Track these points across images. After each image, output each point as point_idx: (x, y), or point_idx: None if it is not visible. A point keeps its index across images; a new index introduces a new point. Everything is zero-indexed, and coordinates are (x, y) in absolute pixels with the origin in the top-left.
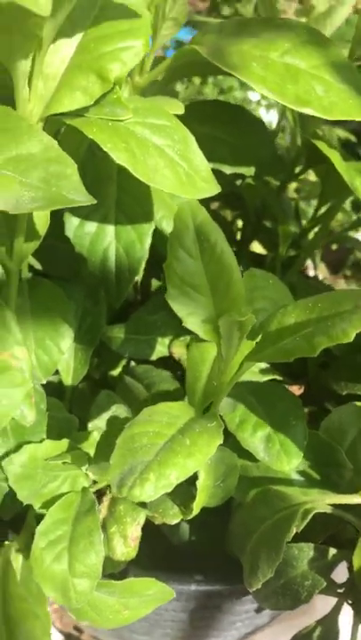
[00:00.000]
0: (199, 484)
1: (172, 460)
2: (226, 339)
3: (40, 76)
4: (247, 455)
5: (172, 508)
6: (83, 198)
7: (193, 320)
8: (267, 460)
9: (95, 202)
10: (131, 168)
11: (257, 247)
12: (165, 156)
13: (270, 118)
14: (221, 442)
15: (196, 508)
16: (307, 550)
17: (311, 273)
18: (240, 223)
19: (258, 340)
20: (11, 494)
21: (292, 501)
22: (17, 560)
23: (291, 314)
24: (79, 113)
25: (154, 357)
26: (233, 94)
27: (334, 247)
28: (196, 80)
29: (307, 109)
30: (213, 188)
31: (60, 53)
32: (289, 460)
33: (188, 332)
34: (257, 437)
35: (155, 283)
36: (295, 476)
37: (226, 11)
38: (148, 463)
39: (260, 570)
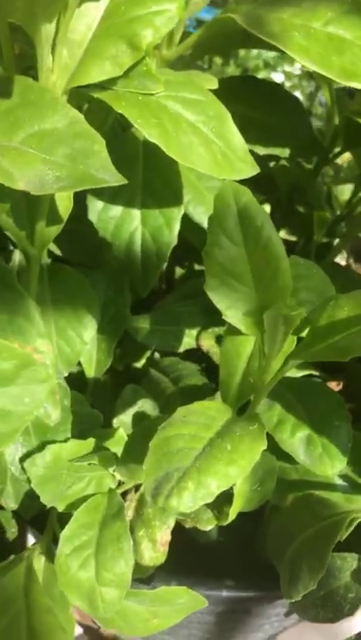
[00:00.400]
0: (236, 488)
1: (213, 467)
2: (270, 334)
3: (65, 42)
4: (285, 457)
5: (205, 513)
6: (112, 177)
7: (233, 313)
8: (308, 464)
9: (126, 181)
10: (163, 146)
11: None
12: (200, 133)
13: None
14: (265, 447)
15: (232, 513)
16: (350, 561)
17: (341, 262)
18: (267, 208)
19: (305, 335)
20: (31, 493)
21: (336, 509)
22: (39, 561)
23: (343, 307)
24: (106, 85)
25: (181, 349)
26: (259, 74)
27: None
28: (218, 61)
29: (353, 82)
30: (251, 169)
31: (87, 18)
32: (332, 464)
33: (217, 323)
34: (297, 439)
35: (178, 270)
36: (338, 481)
37: None
38: (186, 470)
39: (301, 581)
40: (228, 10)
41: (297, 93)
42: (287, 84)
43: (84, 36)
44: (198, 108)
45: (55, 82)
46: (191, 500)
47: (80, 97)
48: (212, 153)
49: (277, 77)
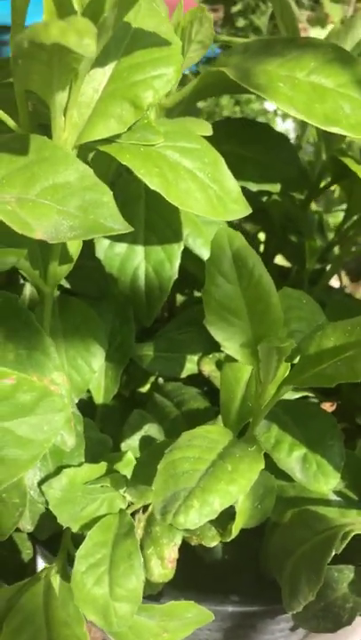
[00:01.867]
0: (238, 506)
1: (215, 486)
2: (264, 363)
3: (75, 105)
4: (283, 475)
5: (210, 530)
6: (120, 226)
7: (231, 345)
8: (304, 481)
9: (132, 229)
10: (164, 193)
11: (278, 259)
12: (197, 179)
13: (286, 127)
14: (263, 467)
15: (235, 530)
16: (347, 572)
17: (335, 284)
18: (262, 236)
19: (296, 363)
20: (45, 515)
21: (330, 523)
22: (55, 580)
23: (330, 337)
24: (111, 138)
25: (183, 375)
26: (251, 106)
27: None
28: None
29: (335, 129)
30: (244, 210)
31: (94, 82)
32: (326, 481)
33: (217, 348)
34: (293, 458)
35: (179, 297)
36: (332, 497)
37: (240, 22)
38: (192, 490)
39: (301, 593)
40: (219, 62)
41: (289, 122)
42: (279, 112)
43: (92, 98)
44: (195, 155)
45: (66, 139)
46: (197, 517)
47: (87, 149)
48: (208, 197)
49: (270, 106)
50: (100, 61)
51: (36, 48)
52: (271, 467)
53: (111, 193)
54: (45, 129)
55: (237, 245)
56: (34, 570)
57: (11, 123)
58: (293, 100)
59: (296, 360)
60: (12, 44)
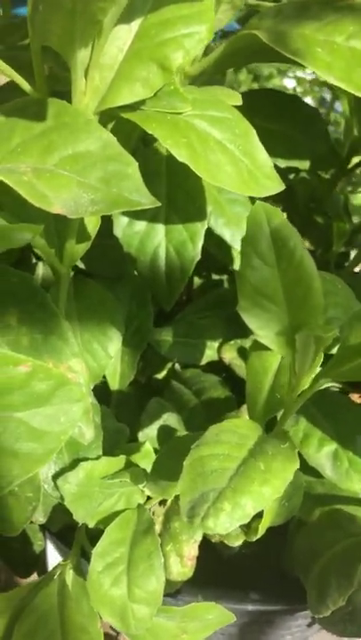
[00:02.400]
0: (266, 506)
1: (248, 487)
2: (301, 353)
3: (97, 66)
4: (310, 470)
5: (234, 529)
6: (145, 200)
7: (266, 333)
8: (335, 479)
9: (159, 204)
10: (192, 165)
11: None
12: (227, 151)
13: None
14: (298, 466)
15: (261, 529)
16: None
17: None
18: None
19: (335, 354)
20: (58, 507)
21: None
22: (68, 576)
23: None
24: (135, 106)
25: (203, 362)
26: (272, 81)
27: None
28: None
29: None
30: (277, 186)
31: (118, 41)
32: (359, 479)
33: (238, 334)
34: (323, 454)
35: (196, 280)
36: None
37: None
38: (222, 491)
39: (330, 597)
40: (251, 26)
41: (308, 99)
42: (299, 90)
43: (115, 59)
44: (225, 125)
45: (87, 104)
46: (228, 521)
47: (107, 116)
48: (239, 171)
49: (289, 83)
50: (125, 17)
51: None
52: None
53: (136, 164)
54: (60, 96)
55: (277, 223)
56: (44, 561)
57: (26, 86)
58: (332, 67)
59: (334, 350)
60: None
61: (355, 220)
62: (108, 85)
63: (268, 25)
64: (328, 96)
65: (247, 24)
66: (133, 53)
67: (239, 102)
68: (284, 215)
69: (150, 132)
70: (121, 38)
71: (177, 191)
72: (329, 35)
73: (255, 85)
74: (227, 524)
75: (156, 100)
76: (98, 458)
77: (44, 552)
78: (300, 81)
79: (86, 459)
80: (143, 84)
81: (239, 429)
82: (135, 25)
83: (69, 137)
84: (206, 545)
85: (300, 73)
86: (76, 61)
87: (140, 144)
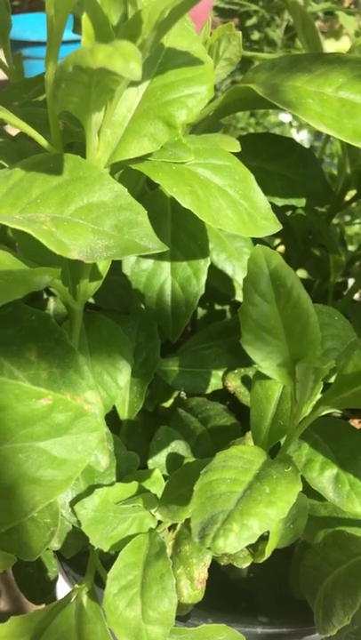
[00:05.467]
0: (272, 527)
1: (254, 509)
2: (301, 383)
3: (109, 124)
4: (314, 494)
5: (242, 551)
6: (155, 245)
7: (268, 364)
8: (337, 502)
9: (167, 248)
10: (196, 211)
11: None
12: (227, 196)
13: (301, 137)
14: (300, 488)
15: (268, 551)
16: None
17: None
18: (281, 248)
19: (333, 382)
20: (72, 533)
21: None
22: (84, 598)
23: None
24: (143, 157)
25: (208, 391)
26: (267, 118)
27: None
28: None
29: None
30: (274, 226)
31: (127, 102)
32: (360, 501)
33: (242, 363)
34: (325, 477)
35: (200, 311)
36: None
37: (255, 35)
38: (230, 513)
39: (336, 617)
40: (246, 79)
41: (304, 132)
42: (295, 124)
43: (125, 117)
44: (225, 172)
45: (100, 158)
46: (236, 540)
47: (118, 167)
48: (239, 214)
49: (285, 118)
50: (133, 82)
51: (79, 71)
52: (302, 486)
53: (145, 212)
54: (72, 147)
55: (275, 264)
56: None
57: (43, 142)
58: (323, 117)
59: (332, 379)
60: (52, 66)
61: (351, 249)
62: (119, 141)
63: (262, 78)
64: None
65: (244, 77)
66: (141, 112)
67: (238, 149)
68: (281, 248)
69: (157, 182)
70: (130, 99)
71: (181, 231)
72: (319, 86)
73: (252, 121)
74: (235, 543)
75: (161, 151)
76: (112, 484)
77: (57, 578)
78: (295, 115)
79: (101, 485)
80: (150, 140)
81: (245, 455)
82: (142, 87)
83: (84, 189)
84: (215, 569)
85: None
86: (90, 123)
87: (146, 187)
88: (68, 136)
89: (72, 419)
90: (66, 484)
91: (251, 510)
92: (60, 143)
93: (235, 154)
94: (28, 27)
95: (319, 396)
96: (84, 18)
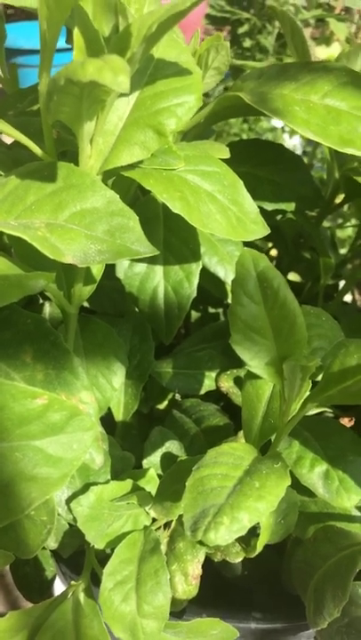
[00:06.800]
0: (263, 522)
1: (244, 503)
2: (289, 381)
3: (101, 133)
4: (305, 491)
5: (234, 547)
6: (146, 249)
7: (256, 363)
8: (327, 497)
9: (158, 252)
10: (186, 216)
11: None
12: (217, 201)
13: (294, 142)
14: (289, 483)
15: (259, 546)
16: None
17: (346, 298)
18: (274, 252)
19: (320, 380)
20: (68, 532)
21: (354, 539)
22: (80, 594)
23: (353, 354)
24: (134, 164)
25: (202, 392)
26: (259, 124)
27: None
28: None
29: (350, 149)
30: (263, 230)
31: (118, 111)
32: (349, 497)
33: (234, 364)
34: (315, 474)
35: (194, 314)
36: (355, 512)
37: (247, 43)
38: (221, 507)
39: (326, 609)
40: (236, 87)
41: (296, 138)
42: (287, 129)
43: (116, 126)
44: (214, 178)
45: (92, 166)
46: (227, 533)
47: (110, 174)
48: (228, 218)
49: (277, 123)
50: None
51: (70, 84)
52: (293, 482)
53: (137, 217)
54: (66, 156)
55: (262, 266)
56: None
57: (37, 150)
58: (309, 123)
59: (319, 377)
60: (45, 77)
61: (342, 252)
62: (110, 149)
63: (251, 86)
64: None
65: (233, 85)
66: (132, 121)
67: (227, 155)
68: (274, 252)
69: (148, 188)
70: (121, 109)
71: (173, 236)
72: (306, 94)
73: (245, 126)
74: (226, 536)
75: (152, 159)
76: (107, 482)
77: (55, 578)
78: None
79: (96, 483)
80: (141, 147)
81: (236, 452)
82: (133, 97)
83: (77, 195)
84: (210, 566)
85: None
86: (82, 132)
87: (138, 193)
88: (62, 144)
89: (67, 418)
90: (61, 482)
91: (241, 504)
92: (54, 151)
93: (224, 160)
94: (21, 35)
95: (308, 394)
96: (76, 32)
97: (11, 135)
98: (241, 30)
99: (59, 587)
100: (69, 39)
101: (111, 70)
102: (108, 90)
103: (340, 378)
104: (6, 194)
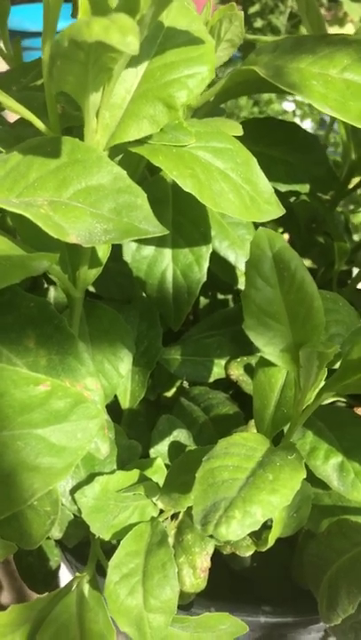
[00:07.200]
0: (275, 515)
1: (257, 496)
2: (305, 368)
3: (107, 106)
4: (318, 483)
5: (244, 540)
6: (154, 228)
7: (271, 349)
8: (342, 490)
9: (167, 232)
10: (197, 195)
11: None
12: (229, 179)
13: (305, 127)
14: (304, 476)
15: (271, 539)
16: None
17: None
18: (285, 236)
19: (337, 368)
20: (74, 522)
21: None
22: (85, 587)
23: None
24: (143, 140)
25: (211, 380)
26: (271, 107)
27: None
28: None
29: None
30: (277, 211)
31: (126, 83)
32: None
33: (244, 352)
34: (330, 465)
35: (202, 300)
36: None
37: (258, 23)
38: (232, 500)
39: (340, 605)
40: (249, 61)
41: (308, 121)
42: (298, 113)
43: (124, 99)
44: (227, 156)
45: (98, 141)
46: (239, 528)
47: (117, 150)
48: (241, 198)
49: (289, 106)
50: (132, 61)
51: (75, 48)
52: (306, 474)
53: (145, 195)
54: (70, 132)
55: (278, 247)
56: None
57: (40, 125)
58: (327, 98)
59: (336, 365)
60: (48, 44)
61: (356, 238)
62: (118, 123)
63: (265, 60)
64: (327, 117)
65: (246, 59)
66: (140, 93)
67: (240, 133)
68: (287, 236)
69: (157, 165)
70: (129, 80)
71: (182, 217)
72: (323, 68)
73: (255, 109)
74: (238, 530)
75: (161, 134)
76: (112, 472)
77: (59, 568)
78: (299, 104)
79: (101, 473)
80: (150, 122)
81: (248, 442)
82: (141, 68)
83: (82, 172)
84: (218, 559)
85: (299, 97)
86: (88, 104)
87: (146, 173)
88: (67, 120)
89: (71, 405)
90: (65, 472)
91: (253, 498)
92: (58, 126)
93: (237, 138)
94: (27, 17)
95: (323, 382)
96: None
97: (13, 110)
98: (252, 10)
99: (64, 575)
100: (75, 13)
101: (119, 30)
102: (115, 55)
103: (360, 366)
104: (8, 170)
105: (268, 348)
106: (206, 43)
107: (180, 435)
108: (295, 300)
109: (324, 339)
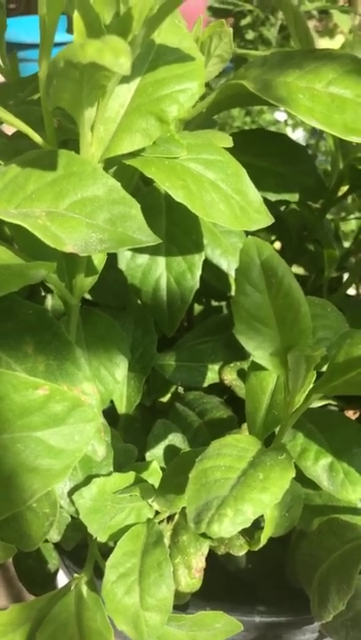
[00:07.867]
0: (267, 515)
1: (248, 495)
2: (294, 371)
3: (102, 120)
4: (309, 483)
5: (238, 539)
6: (148, 238)
7: (260, 353)
8: (331, 490)
9: (160, 240)
10: (189, 205)
11: (292, 269)
12: (220, 190)
13: (297, 136)
14: (294, 475)
15: (263, 539)
16: None
17: (350, 291)
18: (277, 244)
19: (325, 371)
20: (71, 525)
21: (360, 532)
22: (83, 587)
23: (358, 344)
24: (136, 152)
25: (205, 385)
26: (262, 117)
27: None
28: None
29: (354, 138)
30: (267, 219)
31: (120, 98)
32: (354, 489)
33: (238, 357)
34: (320, 466)
35: (197, 307)
36: (360, 505)
37: (250, 35)
38: (224, 499)
39: (331, 602)
40: (238, 75)
41: (299, 130)
42: (290, 122)
43: (117, 113)
44: (217, 167)
45: (93, 153)
46: (231, 525)
47: (111, 162)
48: (232, 208)
49: (280, 116)
50: (125, 78)
51: (70, 67)
52: (297, 475)
53: (139, 206)
54: (66, 145)
55: (267, 255)
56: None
57: (37, 139)
58: (313, 111)
59: (324, 368)
60: (45, 63)
61: (346, 245)
62: (112, 136)
63: (254, 74)
64: None
65: (236, 73)
66: (134, 108)
67: (230, 144)
68: (278, 244)
69: (150, 176)
70: (122, 96)
71: (175, 227)
72: (310, 82)
73: (247, 119)
74: (230, 528)
75: (154, 147)
76: (109, 474)
77: (58, 571)
78: (290, 114)
79: (98, 475)
80: (143, 135)
81: (240, 443)
82: (134, 84)
83: (78, 184)
84: (213, 560)
85: None
86: (83, 118)
87: (140, 184)
88: (63, 133)
89: (69, 409)
90: (63, 473)
91: (245, 496)
92: (55, 140)
93: (227, 149)
94: (23, 29)
95: (312, 385)
96: (76, 16)
97: (11, 123)
98: (244, 22)
99: (62, 580)
100: (71, 29)
101: (112, 51)
102: (108, 74)
103: (346, 368)
104: (6, 182)
105: (258, 351)
106: (196, 59)
107: (176, 439)
108: (283, 304)
109: (311, 342)
